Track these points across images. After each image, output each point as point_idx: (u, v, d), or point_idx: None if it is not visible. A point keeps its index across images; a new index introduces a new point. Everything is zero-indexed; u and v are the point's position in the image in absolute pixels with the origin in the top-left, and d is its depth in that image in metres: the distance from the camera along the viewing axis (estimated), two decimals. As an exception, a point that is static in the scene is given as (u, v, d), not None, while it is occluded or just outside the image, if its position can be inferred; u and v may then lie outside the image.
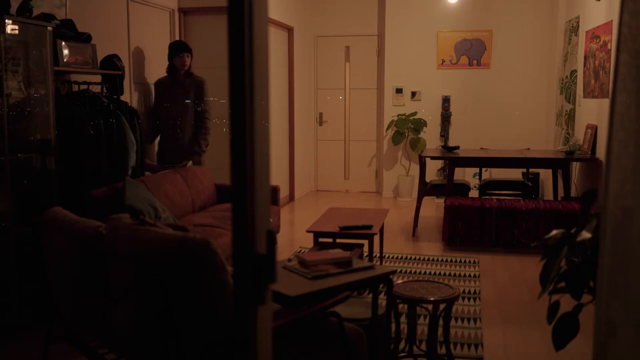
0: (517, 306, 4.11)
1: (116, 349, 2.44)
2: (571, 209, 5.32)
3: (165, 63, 5.53)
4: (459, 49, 8.10)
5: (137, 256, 2.12)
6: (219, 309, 2.04)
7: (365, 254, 4.58)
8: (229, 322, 2.04)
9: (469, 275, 4.76)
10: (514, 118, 8.06)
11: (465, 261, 5.16)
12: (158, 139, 5.71)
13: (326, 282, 2.52)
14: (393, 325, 3.10)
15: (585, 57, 6.08)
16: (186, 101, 5.49)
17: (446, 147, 6.42)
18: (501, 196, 6.26)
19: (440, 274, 4.82)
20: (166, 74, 5.56)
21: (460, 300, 4.12)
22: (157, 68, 5.90)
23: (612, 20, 5.20)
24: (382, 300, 3.51)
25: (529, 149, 7.09)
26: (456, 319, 3.80)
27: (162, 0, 6.09)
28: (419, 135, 8.12)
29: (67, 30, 4.28)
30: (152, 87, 5.76)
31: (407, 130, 8.11)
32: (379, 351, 2.80)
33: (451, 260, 5.18)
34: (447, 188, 5.95)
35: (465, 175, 7.89)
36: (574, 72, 6.62)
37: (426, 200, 7.63)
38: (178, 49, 5.44)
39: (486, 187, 6.54)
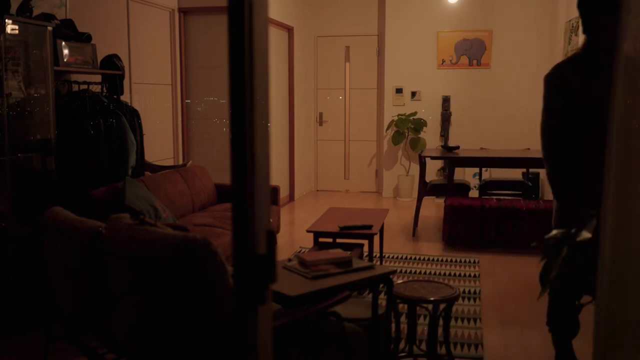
0: (517, 306, 4.10)
1: (116, 349, 2.44)
2: (571, 209, 5.31)
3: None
4: (459, 48, 8.10)
5: (137, 256, 2.12)
6: (219, 309, 2.04)
7: (365, 254, 4.58)
8: (229, 322, 2.04)
9: (469, 275, 4.76)
10: (514, 118, 8.06)
11: (465, 261, 5.16)
12: None
13: (326, 282, 2.52)
14: (393, 325, 3.10)
15: (585, 57, 6.06)
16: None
17: (446, 147, 6.42)
18: (501, 196, 6.26)
19: (440, 274, 4.82)
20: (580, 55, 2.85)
21: (460, 300, 4.12)
22: (157, 68, 5.89)
23: (612, 20, 5.19)
24: (382, 300, 3.51)
25: (529, 149, 7.09)
26: (456, 319, 3.80)
27: (162, 0, 6.09)
28: (419, 135, 8.12)
29: (67, 30, 4.28)
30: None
31: (407, 130, 8.10)
32: (379, 351, 2.80)
33: (451, 260, 5.17)
34: (447, 188, 5.95)
35: (465, 175, 7.89)
36: (574, 72, 6.61)
37: (426, 200, 7.62)
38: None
39: (486, 187, 6.54)
